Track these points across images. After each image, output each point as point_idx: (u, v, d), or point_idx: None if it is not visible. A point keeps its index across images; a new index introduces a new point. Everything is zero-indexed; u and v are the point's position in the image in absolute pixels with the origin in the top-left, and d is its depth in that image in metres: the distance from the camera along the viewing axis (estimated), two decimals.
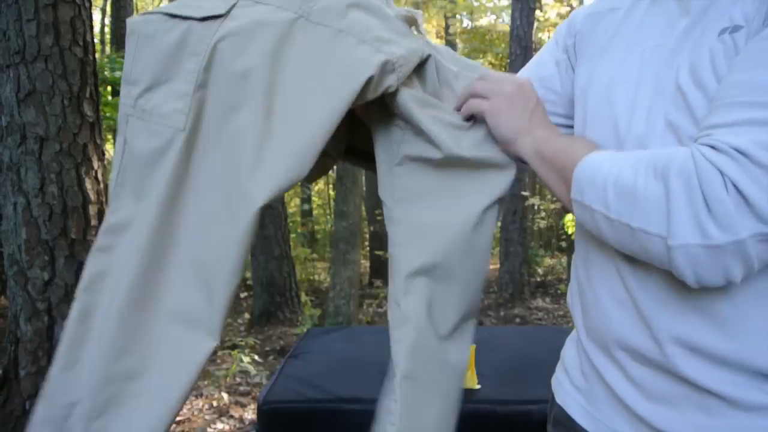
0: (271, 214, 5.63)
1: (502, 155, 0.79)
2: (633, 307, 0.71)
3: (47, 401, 0.75)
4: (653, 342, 0.69)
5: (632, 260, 0.71)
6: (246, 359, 4.07)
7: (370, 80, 0.72)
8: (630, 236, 0.62)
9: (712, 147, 0.58)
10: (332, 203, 10.54)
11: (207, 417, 3.16)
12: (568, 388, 0.85)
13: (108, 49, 9.08)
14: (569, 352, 0.87)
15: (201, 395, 3.51)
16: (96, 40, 3.64)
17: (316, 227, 11.65)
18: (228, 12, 0.74)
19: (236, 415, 3.20)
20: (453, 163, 0.78)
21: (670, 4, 0.73)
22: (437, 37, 12.64)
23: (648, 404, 0.71)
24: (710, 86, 0.64)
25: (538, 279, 7.89)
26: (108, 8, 9.80)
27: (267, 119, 0.73)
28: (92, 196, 2.86)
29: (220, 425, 3.06)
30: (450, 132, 0.78)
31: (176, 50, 0.73)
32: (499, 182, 0.80)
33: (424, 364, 0.77)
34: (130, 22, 0.75)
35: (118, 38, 7.86)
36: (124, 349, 0.74)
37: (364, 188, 7.91)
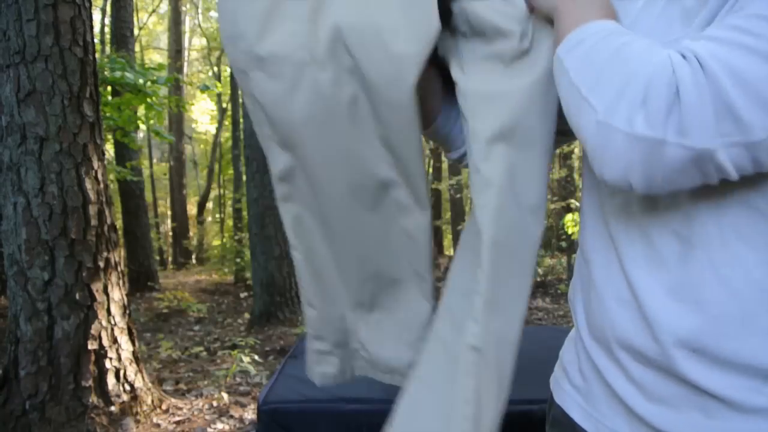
0: (271, 215, 5.63)
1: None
2: (636, 307, 0.70)
3: (317, 337, 0.89)
4: (655, 343, 0.69)
5: (638, 260, 0.71)
6: (246, 359, 4.08)
7: None
8: (576, 102, 0.63)
9: (683, 55, 0.57)
10: None
11: (207, 417, 3.16)
12: (566, 388, 0.85)
13: (108, 49, 9.09)
14: (568, 351, 0.87)
15: (201, 395, 3.51)
16: (96, 40, 3.64)
17: None
18: None
19: (236, 415, 3.20)
20: (521, 53, 0.79)
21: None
22: None
23: (648, 404, 0.71)
24: None
25: (538, 279, 7.89)
26: (108, 8, 9.80)
27: None
28: (92, 196, 2.86)
29: (220, 425, 3.06)
30: (512, 19, 0.79)
31: (277, 2, 0.77)
32: (550, 47, 0.79)
33: (508, 230, 0.76)
34: None
35: (118, 38, 7.86)
36: (363, 257, 0.85)
37: None
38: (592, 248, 0.79)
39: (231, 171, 11.95)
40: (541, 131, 0.80)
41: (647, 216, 0.69)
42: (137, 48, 12.08)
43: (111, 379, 2.87)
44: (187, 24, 16.52)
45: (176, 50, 13.70)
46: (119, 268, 3.04)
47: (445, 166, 12.89)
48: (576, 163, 9.39)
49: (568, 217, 6.70)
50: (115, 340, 2.93)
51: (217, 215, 16.31)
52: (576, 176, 9.18)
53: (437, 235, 12.95)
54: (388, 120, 0.79)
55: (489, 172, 0.77)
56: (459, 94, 0.81)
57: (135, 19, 10.63)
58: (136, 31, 10.78)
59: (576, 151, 8.80)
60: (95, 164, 2.90)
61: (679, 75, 0.55)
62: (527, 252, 0.79)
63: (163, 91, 7.49)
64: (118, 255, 3.06)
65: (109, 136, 7.31)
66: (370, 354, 0.91)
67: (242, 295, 7.85)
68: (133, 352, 3.05)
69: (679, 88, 0.55)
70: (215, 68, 15.60)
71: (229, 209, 14.25)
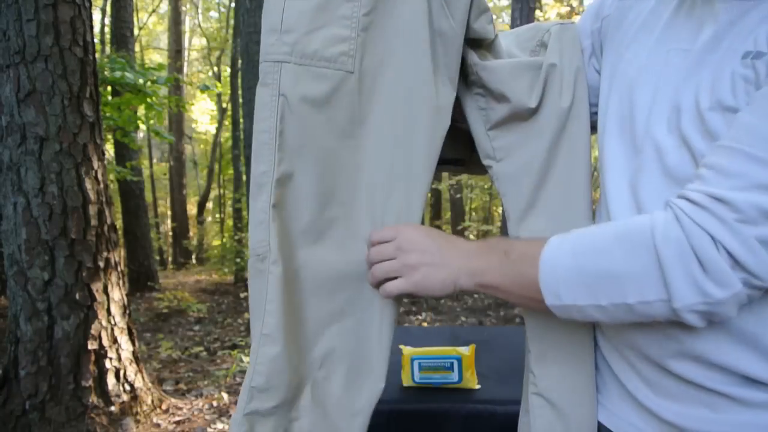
0: None
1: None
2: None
3: (263, 389, 0.74)
4: (660, 349, 0.70)
5: None
6: (246, 359, 4.08)
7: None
8: (628, 311, 0.62)
9: (695, 203, 0.58)
10: None
11: (207, 417, 3.16)
12: None
13: (108, 49, 9.09)
14: None
15: (201, 395, 3.51)
16: (96, 40, 3.64)
17: None
18: None
19: None
20: (532, 112, 0.84)
21: (699, 7, 0.70)
22: None
23: (657, 399, 0.72)
24: (729, 113, 0.62)
25: None
26: (108, 8, 9.81)
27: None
28: (92, 195, 2.86)
29: (220, 425, 3.06)
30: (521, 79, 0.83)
31: (329, 0, 0.76)
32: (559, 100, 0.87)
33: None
34: None
35: (118, 38, 7.86)
36: (329, 292, 0.79)
37: None
38: None
39: (231, 171, 11.95)
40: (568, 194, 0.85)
41: None
42: (137, 48, 12.08)
43: (111, 379, 2.87)
44: (187, 24, 16.53)
45: (176, 50, 13.70)
46: (119, 268, 3.04)
47: None
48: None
49: None
50: (115, 340, 2.93)
51: (217, 215, 16.32)
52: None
53: None
54: None
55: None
56: (492, 174, 0.88)
57: (135, 19, 10.63)
58: (136, 31, 10.78)
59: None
60: (95, 164, 2.90)
61: (717, 235, 0.57)
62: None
63: (163, 91, 7.49)
64: (118, 255, 3.06)
65: (109, 136, 7.31)
66: (306, 428, 0.77)
67: (242, 295, 7.85)
68: (133, 352, 3.05)
69: (726, 247, 0.56)
70: (215, 68, 15.60)
71: (229, 209, 14.26)
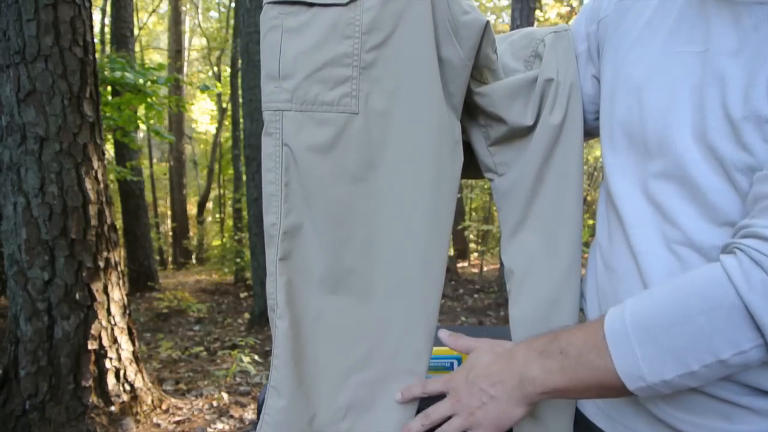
0: None
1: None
2: None
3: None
4: None
5: (660, 275, 0.69)
6: (246, 359, 4.07)
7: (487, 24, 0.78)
8: (722, 367, 0.58)
9: (758, 237, 0.56)
10: None
11: (207, 417, 3.16)
12: None
13: (108, 49, 9.08)
14: None
15: (201, 395, 3.51)
16: (96, 40, 3.64)
17: None
18: None
19: (236, 415, 3.20)
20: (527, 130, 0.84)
21: (711, 8, 0.66)
22: None
23: (669, 408, 0.70)
24: (766, 125, 0.59)
25: None
26: (108, 8, 9.80)
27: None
28: (92, 195, 2.86)
29: (220, 425, 3.06)
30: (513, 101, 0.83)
31: (327, 38, 0.71)
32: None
33: (538, 310, 0.85)
34: (268, 18, 0.72)
35: (118, 38, 7.85)
36: (349, 342, 0.76)
37: None
38: (610, 255, 0.77)
39: (231, 171, 11.95)
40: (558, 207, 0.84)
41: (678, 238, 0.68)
42: (137, 48, 12.08)
43: (111, 379, 2.87)
44: (187, 24, 16.52)
45: (176, 50, 13.69)
46: (119, 268, 3.04)
47: None
48: None
49: None
50: (115, 340, 2.93)
51: (217, 215, 16.31)
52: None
53: None
54: None
55: (510, 264, 0.85)
56: (494, 188, 0.89)
57: (135, 19, 10.62)
58: (136, 31, 10.78)
59: None
60: (95, 164, 2.90)
61: None
62: (571, 309, 0.84)
63: (163, 91, 7.49)
64: (118, 255, 3.06)
65: (109, 136, 7.31)
66: None
67: (242, 295, 7.85)
68: (133, 352, 3.05)
69: None
70: (215, 68, 15.60)
71: (229, 209, 14.25)
